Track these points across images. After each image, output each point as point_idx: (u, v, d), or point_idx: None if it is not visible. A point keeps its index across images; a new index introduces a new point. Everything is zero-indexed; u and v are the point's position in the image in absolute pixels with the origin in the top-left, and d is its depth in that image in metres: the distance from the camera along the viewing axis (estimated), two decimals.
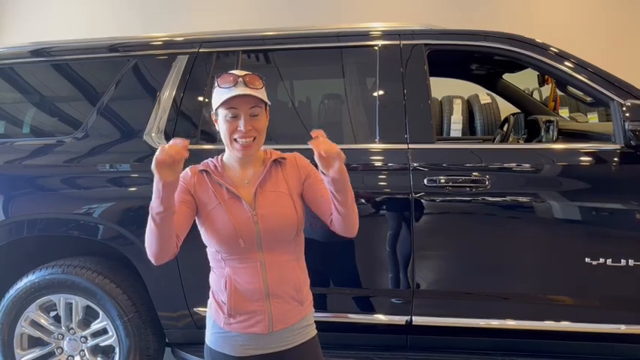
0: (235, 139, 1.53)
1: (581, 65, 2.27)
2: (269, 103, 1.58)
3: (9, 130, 2.72)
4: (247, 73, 1.55)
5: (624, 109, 2.13)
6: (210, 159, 1.66)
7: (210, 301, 1.64)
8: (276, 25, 2.75)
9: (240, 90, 1.50)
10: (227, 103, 1.51)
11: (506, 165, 2.21)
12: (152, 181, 2.29)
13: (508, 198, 2.19)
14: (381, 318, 2.31)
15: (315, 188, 1.64)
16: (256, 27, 2.66)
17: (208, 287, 1.65)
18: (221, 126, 1.56)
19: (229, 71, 1.56)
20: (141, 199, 2.34)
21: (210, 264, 1.64)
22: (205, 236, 1.59)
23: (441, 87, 4.85)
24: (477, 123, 4.97)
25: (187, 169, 1.61)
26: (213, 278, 1.63)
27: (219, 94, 1.53)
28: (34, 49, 2.71)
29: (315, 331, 1.69)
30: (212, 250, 1.60)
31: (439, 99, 5.31)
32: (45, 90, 2.74)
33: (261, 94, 1.54)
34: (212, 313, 1.63)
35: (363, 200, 2.24)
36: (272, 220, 1.55)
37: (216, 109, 1.56)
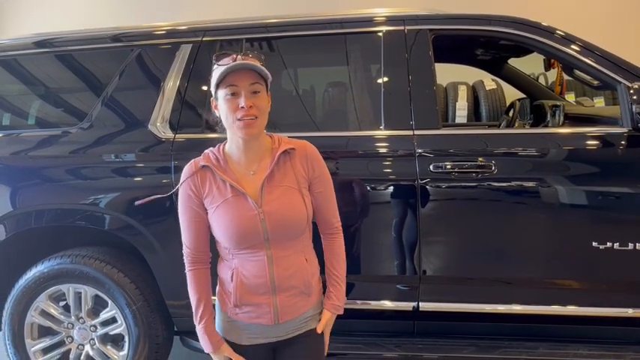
0: (237, 118, 1.46)
1: (587, 48, 2.25)
2: (269, 77, 1.52)
3: (14, 122, 2.73)
4: (247, 53, 1.50)
5: (632, 91, 2.11)
6: (210, 149, 1.60)
7: (218, 289, 1.64)
8: (276, 13, 2.74)
9: (239, 63, 1.45)
10: (226, 81, 1.46)
11: (512, 150, 2.20)
12: (157, 170, 2.32)
13: (515, 183, 2.18)
14: (388, 304, 2.32)
15: (319, 194, 1.61)
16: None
17: (215, 276, 1.66)
18: (221, 108, 1.50)
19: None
20: (146, 189, 2.35)
21: (219, 254, 1.63)
22: (213, 232, 1.58)
23: (446, 73, 4.82)
24: (482, 109, 4.95)
25: (190, 166, 1.57)
26: (221, 268, 1.62)
27: (218, 72, 1.48)
28: (37, 41, 2.70)
29: None
30: (220, 245, 1.59)
31: (444, 85, 5.28)
32: (49, 81, 2.74)
33: (260, 68, 1.48)
34: (219, 301, 1.63)
35: (369, 187, 2.24)
36: (279, 217, 1.51)
37: (215, 92, 1.51)
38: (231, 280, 1.55)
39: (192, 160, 1.59)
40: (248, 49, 1.54)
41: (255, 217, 1.50)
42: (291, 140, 1.62)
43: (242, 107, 1.45)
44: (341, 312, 1.69)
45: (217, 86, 1.50)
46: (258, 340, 1.59)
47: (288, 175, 1.56)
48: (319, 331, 1.65)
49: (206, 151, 1.61)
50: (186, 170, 1.58)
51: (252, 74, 1.48)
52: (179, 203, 1.59)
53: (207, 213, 1.56)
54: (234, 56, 1.48)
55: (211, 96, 1.56)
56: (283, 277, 1.53)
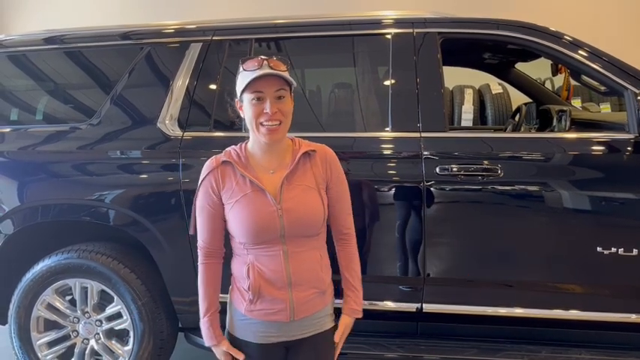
0: (261, 123, 1.51)
1: (595, 54, 2.25)
2: (294, 83, 1.56)
3: (22, 117, 2.75)
4: (272, 57, 1.54)
5: (639, 98, 2.12)
6: (232, 147, 1.64)
7: (232, 287, 1.66)
8: (285, 14, 2.75)
9: (266, 70, 1.48)
10: (252, 86, 1.50)
11: (519, 154, 2.21)
12: (166, 167, 2.33)
13: (520, 187, 2.19)
14: (391, 305, 2.33)
15: (334, 197, 1.64)
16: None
17: (228, 276, 1.68)
18: (246, 111, 1.54)
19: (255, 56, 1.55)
20: (154, 186, 2.38)
21: (233, 251, 1.65)
22: (229, 227, 1.60)
23: (452, 76, 4.83)
24: (488, 113, 4.96)
25: (211, 161, 1.61)
26: (235, 265, 1.64)
27: (244, 78, 1.51)
28: (47, 37, 2.72)
29: (333, 323, 1.70)
30: (235, 240, 1.61)
31: (450, 88, 5.29)
32: (58, 77, 2.76)
33: (286, 75, 1.52)
34: (233, 300, 1.64)
35: (375, 189, 2.25)
36: (297, 215, 1.54)
37: (240, 95, 1.55)
38: (247, 276, 1.56)
39: (214, 157, 1.63)
40: (274, 57, 1.55)
41: (274, 213, 1.53)
42: (311, 143, 1.66)
43: (267, 113, 1.49)
44: (360, 315, 1.72)
45: (243, 90, 1.53)
46: (272, 339, 1.60)
47: (307, 175, 1.60)
48: (337, 338, 1.67)
49: (227, 148, 1.65)
50: (208, 165, 1.61)
51: (278, 80, 1.51)
52: (198, 198, 1.61)
53: (224, 209, 1.59)
54: (261, 61, 1.51)
55: (226, 95, 1.59)
56: (298, 271, 1.56)
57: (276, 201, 1.54)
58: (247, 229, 1.54)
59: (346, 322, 1.70)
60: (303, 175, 1.59)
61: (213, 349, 1.66)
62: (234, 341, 1.65)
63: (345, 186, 1.69)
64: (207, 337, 1.64)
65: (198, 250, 1.65)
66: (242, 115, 1.59)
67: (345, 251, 1.71)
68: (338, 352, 1.72)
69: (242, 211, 1.54)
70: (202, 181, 1.60)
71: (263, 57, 1.52)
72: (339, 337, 1.69)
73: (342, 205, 1.68)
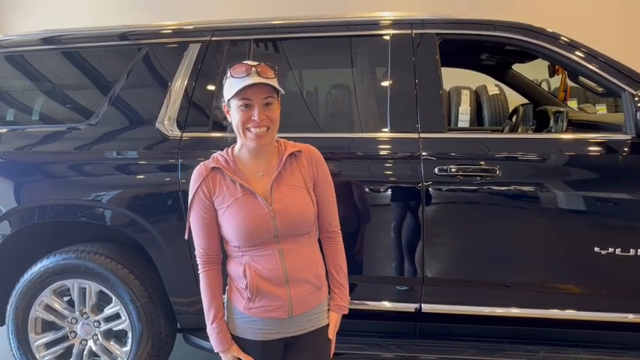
0: (248, 129, 1.53)
1: (592, 55, 2.26)
2: (282, 91, 1.57)
3: (20, 117, 2.74)
4: (259, 62, 1.55)
5: (636, 99, 2.13)
6: (219, 152, 1.65)
7: (230, 287, 1.66)
8: (286, 14, 2.76)
9: (254, 79, 1.49)
10: (240, 94, 1.50)
11: (517, 154, 2.22)
12: (164, 168, 2.33)
13: (519, 187, 2.20)
14: (390, 305, 2.33)
15: (320, 195, 1.66)
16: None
17: (225, 277, 1.68)
18: (233, 116, 1.55)
19: (242, 61, 1.56)
20: (153, 186, 2.37)
21: (228, 253, 1.65)
22: (223, 232, 1.61)
23: (449, 77, 4.84)
24: (484, 114, 4.98)
25: (200, 168, 1.61)
26: (230, 267, 1.65)
27: (232, 85, 1.52)
28: (44, 37, 2.72)
29: (328, 320, 1.71)
30: (230, 244, 1.62)
31: (447, 89, 5.30)
32: (55, 78, 2.75)
33: (274, 83, 1.53)
34: (232, 299, 1.65)
35: (374, 189, 2.26)
36: (289, 215, 1.56)
37: (228, 100, 1.56)
38: (244, 275, 1.57)
39: (202, 164, 1.62)
40: (261, 63, 1.55)
41: (266, 215, 1.54)
42: (296, 144, 1.68)
43: (255, 120, 1.51)
44: (346, 312, 1.72)
45: (231, 97, 1.54)
46: (271, 336, 1.61)
47: (295, 175, 1.61)
48: (330, 335, 1.68)
49: (214, 154, 1.65)
50: (197, 173, 1.61)
51: (266, 88, 1.52)
52: (193, 207, 1.61)
53: (217, 214, 1.59)
54: (249, 68, 1.51)
55: (219, 97, 1.59)
56: (294, 268, 1.58)
57: (267, 203, 1.55)
58: (241, 233, 1.55)
59: (335, 319, 1.72)
60: (291, 175, 1.61)
61: (221, 354, 1.65)
62: (234, 340, 1.64)
63: (330, 184, 1.70)
64: (217, 342, 1.63)
65: (198, 259, 1.64)
66: (229, 119, 1.60)
67: (332, 248, 1.72)
68: (333, 348, 1.73)
69: (235, 215, 1.55)
70: (195, 189, 1.60)
71: (251, 63, 1.53)
72: (332, 334, 1.70)
73: (328, 202, 1.69)
